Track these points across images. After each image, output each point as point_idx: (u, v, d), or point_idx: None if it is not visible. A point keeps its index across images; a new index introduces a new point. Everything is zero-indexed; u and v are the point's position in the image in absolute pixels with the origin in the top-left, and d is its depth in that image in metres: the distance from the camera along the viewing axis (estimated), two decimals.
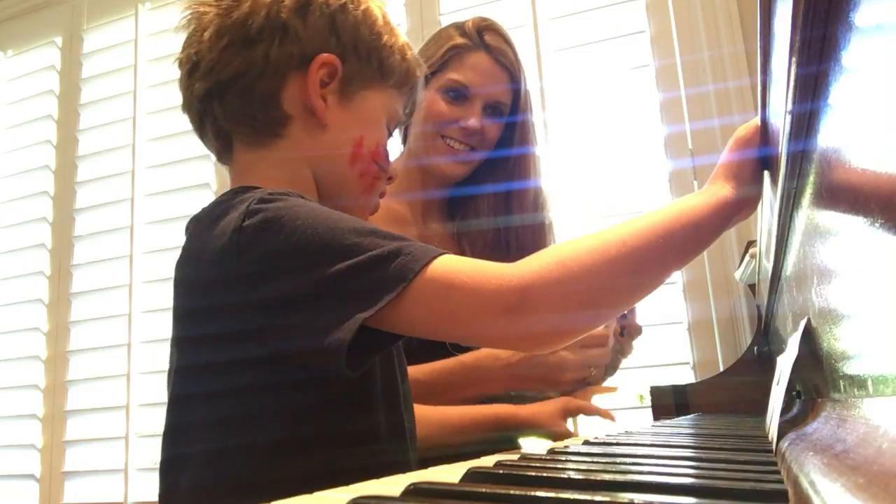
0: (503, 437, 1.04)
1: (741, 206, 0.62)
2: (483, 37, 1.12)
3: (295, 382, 0.60)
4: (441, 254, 0.55)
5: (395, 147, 1.15)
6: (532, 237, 1.15)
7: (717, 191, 0.61)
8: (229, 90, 0.67)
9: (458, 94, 1.10)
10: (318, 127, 0.69)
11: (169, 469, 0.64)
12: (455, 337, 0.59)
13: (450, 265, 0.54)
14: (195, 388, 0.64)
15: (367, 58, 0.71)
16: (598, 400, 1.09)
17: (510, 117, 1.16)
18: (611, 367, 1.15)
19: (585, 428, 1.35)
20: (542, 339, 0.56)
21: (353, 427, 0.64)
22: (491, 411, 1.02)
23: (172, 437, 0.65)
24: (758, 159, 0.62)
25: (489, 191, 1.17)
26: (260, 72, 0.67)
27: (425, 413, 0.81)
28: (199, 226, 0.64)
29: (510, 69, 1.12)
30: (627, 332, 1.10)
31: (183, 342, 0.65)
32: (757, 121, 0.62)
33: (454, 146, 1.11)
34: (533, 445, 1.04)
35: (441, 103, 1.10)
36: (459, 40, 1.11)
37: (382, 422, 0.67)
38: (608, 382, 1.15)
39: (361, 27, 0.70)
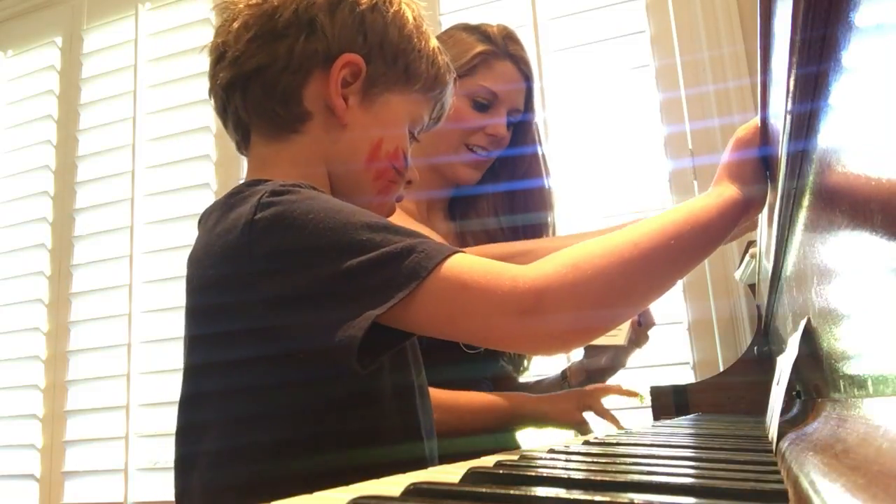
0: (518, 426, 1.03)
1: (748, 206, 0.62)
2: (507, 46, 1.13)
3: (302, 381, 0.60)
4: (455, 252, 0.54)
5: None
6: (537, 237, 1.16)
7: (723, 191, 0.61)
8: (252, 82, 0.67)
9: (487, 102, 1.12)
10: (338, 126, 0.69)
11: (182, 469, 0.64)
12: (467, 337, 0.59)
13: (463, 264, 0.53)
14: (204, 387, 0.64)
15: (393, 60, 0.70)
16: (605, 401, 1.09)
17: (521, 117, 1.17)
18: (624, 358, 1.15)
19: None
20: (553, 342, 0.56)
21: (360, 425, 0.63)
22: (507, 400, 1.01)
23: (183, 436, 0.65)
24: (760, 159, 0.62)
25: (496, 190, 1.18)
26: (283, 66, 0.66)
27: (435, 396, 0.80)
28: (211, 219, 0.64)
29: (528, 77, 1.16)
30: (644, 322, 1.10)
31: (193, 341, 0.65)
32: (757, 121, 0.62)
33: (475, 150, 1.12)
34: (550, 436, 1.03)
35: (468, 109, 1.11)
36: (486, 47, 1.13)
37: (393, 419, 0.66)
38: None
39: (390, 28, 0.70)
